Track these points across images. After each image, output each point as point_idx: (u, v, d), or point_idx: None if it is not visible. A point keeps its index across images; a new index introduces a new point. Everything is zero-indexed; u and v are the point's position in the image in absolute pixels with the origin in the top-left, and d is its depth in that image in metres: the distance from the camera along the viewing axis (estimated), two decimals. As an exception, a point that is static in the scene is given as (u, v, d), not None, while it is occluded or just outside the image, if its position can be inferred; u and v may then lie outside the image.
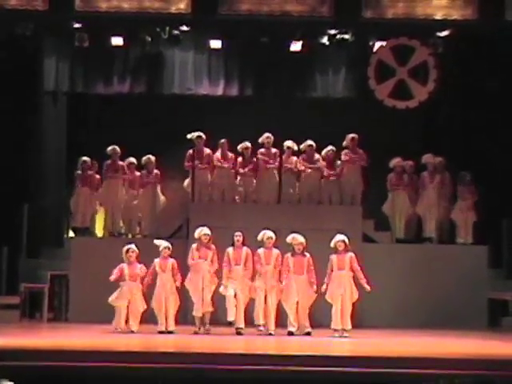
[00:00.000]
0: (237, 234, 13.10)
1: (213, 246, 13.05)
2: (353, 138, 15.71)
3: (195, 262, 12.95)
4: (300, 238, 12.83)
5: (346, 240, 12.75)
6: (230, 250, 13.06)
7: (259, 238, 13.06)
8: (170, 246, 13.11)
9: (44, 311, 14.88)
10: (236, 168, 15.65)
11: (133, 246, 13.14)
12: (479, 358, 10.25)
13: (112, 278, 12.91)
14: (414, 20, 16.06)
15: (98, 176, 16.06)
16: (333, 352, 10.97)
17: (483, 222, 15.69)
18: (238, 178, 15.73)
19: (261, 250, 13.00)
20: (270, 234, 13.06)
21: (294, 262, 12.79)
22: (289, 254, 12.88)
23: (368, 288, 12.67)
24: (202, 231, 13.03)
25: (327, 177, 15.70)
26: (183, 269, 13.42)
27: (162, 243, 13.15)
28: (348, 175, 15.67)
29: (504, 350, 11.08)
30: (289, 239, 12.91)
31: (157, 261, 13.03)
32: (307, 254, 12.86)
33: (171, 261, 13.06)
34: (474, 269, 15.16)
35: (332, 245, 12.77)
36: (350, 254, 12.75)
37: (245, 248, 13.07)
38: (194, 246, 13.10)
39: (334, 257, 12.73)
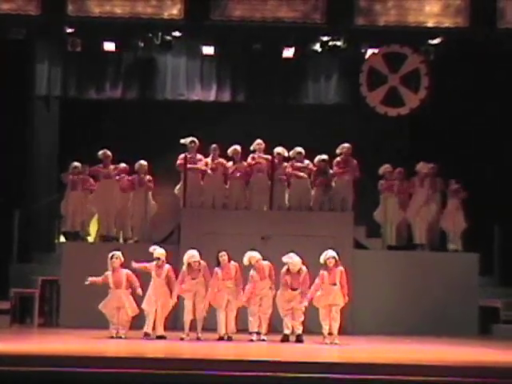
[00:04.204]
0: (221, 253, 12.98)
1: (202, 265, 12.97)
2: (347, 147, 15.68)
3: (186, 285, 12.92)
4: (296, 261, 12.73)
5: (337, 256, 12.74)
6: (217, 270, 12.96)
7: (245, 262, 12.94)
8: (164, 252, 13.09)
9: (34, 316, 14.86)
10: (227, 173, 15.64)
11: (117, 253, 13.07)
12: (470, 365, 10.26)
13: (91, 280, 12.89)
14: (405, 27, 16.12)
15: (90, 179, 16.04)
16: (323, 359, 10.97)
17: (474, 230, 15.71)
18: (228, 183, 15.72)
19: (253, 272, 12.91)
20: (257, 256, 12.92)
21: (292, 279, 12.76)
22: (284, 270, 12.80)
23: (340, 304, 12.67)
24: (193, 258, 12.91)
25: (317, 185, 15.68)
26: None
27: (157, 250, 13.13)
28: (339, 182, 15.67)
29: (494, 358, 11.10)
30: (285, 259, 12.81)
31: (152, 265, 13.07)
32: (303, 270, 12.78)
33: (167, 267, 13.05)
34: (465, 276, 15.19)
35: (322, 261, 12.71)
36: (340, 269, 12.74)
37: (232, 263, 13.00)
38: (185, 269, 12.96)
39: (325, 273, 12.69)
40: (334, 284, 12.63)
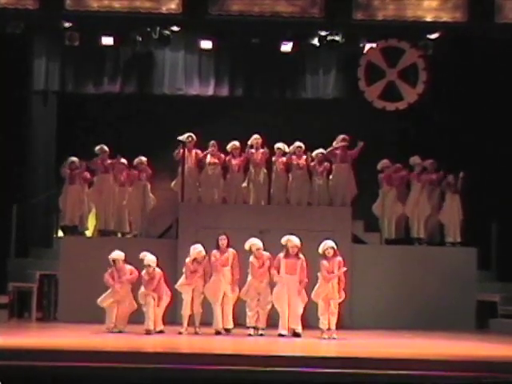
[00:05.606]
0: (221, 237, 13.05)
1: (205, 260, 13.01)
2: (343, 138, 15.71)
3: (189, 279, 12.95)
4: (295, 241, 12.78)
5: (335, 246, 12.74)
6: (215, 252, 13.03)
7: (246, 247, 12.99)
8: (154, 259, 12.98)
9: (33, 311, 14.87)
10: (225, 167, 15.64)
11: (120, 255, 13.03)
12: (467, 359, 10.29)
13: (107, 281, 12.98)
14: (404, 22, 16.10)
15: (87, 174, 16.02)
16: (321, 353, 10.99)
17: (473, 224, 15.72)
18: (227, 177, 15.70)
19: (252, 258, 12.94)
20: (258, 244, 12.97)
21: (287, 264, 12.76)
22: (281, 255, 12.84)
23: (338, 299, 12.67)
24: (201, 253, 12.96)
25: (315, 177, 15.66)
26: (172, 269, 13.49)
27: (147, 256, 12.99)
28: (338, 176, 15.66)
29: (492, 352, 11.13)
30: (284, 240, 12.86)
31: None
32: (302, 257, 12.81)
33: (158, 274, 12.94)
34: (463, 270, 15.19)
35: (320, 251, 12.70)
36: (339, 259, 12.74)
37: (230, 249, 13.05)
38: (189, 263, 13.00)
39: (325, 262, 12.70)
40: (333, 273, 12.61)
